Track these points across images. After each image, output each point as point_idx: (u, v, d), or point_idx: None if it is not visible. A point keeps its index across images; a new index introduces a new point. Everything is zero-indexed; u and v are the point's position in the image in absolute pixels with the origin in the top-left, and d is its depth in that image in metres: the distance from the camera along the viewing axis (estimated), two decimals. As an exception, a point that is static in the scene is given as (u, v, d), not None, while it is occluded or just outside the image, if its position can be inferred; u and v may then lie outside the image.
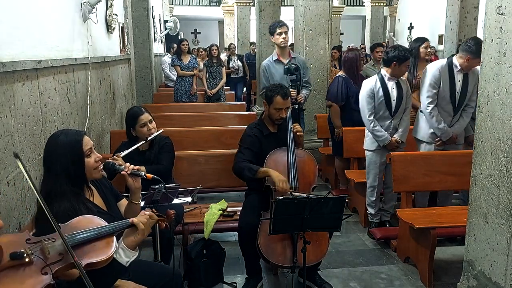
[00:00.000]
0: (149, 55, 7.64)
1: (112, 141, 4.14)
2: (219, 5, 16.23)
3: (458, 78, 3.49)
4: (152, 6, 8.67)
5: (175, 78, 7.40)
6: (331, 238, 2.80)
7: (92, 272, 1.51)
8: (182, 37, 9.43)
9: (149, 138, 2.90)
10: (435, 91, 3.48)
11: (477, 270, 2.36)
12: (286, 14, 10.44)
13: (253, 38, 10.27)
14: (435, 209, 3.43)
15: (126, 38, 5.54)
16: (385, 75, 3.59)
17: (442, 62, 3.54)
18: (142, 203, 2.15)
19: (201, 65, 7.53)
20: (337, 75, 4.51)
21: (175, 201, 2.38)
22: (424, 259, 3.01)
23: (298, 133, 2.98)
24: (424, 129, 3.63)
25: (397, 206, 3.69)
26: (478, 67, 3.46)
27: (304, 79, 4.22)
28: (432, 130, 3.57)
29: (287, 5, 14.34)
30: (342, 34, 14.67)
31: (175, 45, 9.59)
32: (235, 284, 3.01)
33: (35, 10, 2.61)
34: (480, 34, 6.56)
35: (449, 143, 3.59)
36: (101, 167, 1.94)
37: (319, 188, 4.03)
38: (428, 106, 3.49)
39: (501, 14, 2.06)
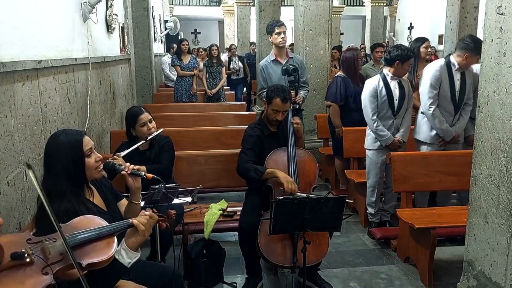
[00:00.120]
0: (149, 55, 7.64)
1: (112, 141, 4.14)
2: (219, 5, 16.23)
3: (457, 77, 3.50)
4: (152, 6, 8.67)
5: (175, 78, 7.40)
6: (331, 238, 2.80)
7: (94, 272, 1.51)
8: (182, 37, 9.42)
9: (149, 138, 2.90)
10: (436, 91, 3.48)
11: (477, 270, 2.36)
12: (286, 14, 10.45)
13: (253, 38, 10.27)
14: (435, 209, 3.43)
15: (126, 38, 5.55)
16: (387, 75, 3.59)
17: (440, 62, 3.54)
18: (142, 203, 2.15)
19: (201, 65, 7.53)
20: (336, 75, 4.51)
21: (175, 201, 2.38)
22: (424, 259, 3.01)
23: (296, 126, 2.99)
24: (425, 131, 3.62)
25: (397, 206, 3.69)
26: (473, 66, 3.51)
27: (302, 79, 4.21)
28: (434, 132, 3.57)
29: (287, 5, 14.34)
30: (342, 34, 14.67)
31: (175, 45, 9.58)
32: (235, 284, 3.01)
33: (35, 10, 2.61)
34: (480, 34, 6.55)
35: (451, 142, 3.60)
36: (101, 167, 1.94)
37: (319, 188, 4.03)
38: (430, 108, 3.49)
39: (501, 14, 2.06)
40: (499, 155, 2.14)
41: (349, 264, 3.32)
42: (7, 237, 1.44)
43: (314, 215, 2.27)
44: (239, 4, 11.78)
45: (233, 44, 10.03)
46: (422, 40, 4.35)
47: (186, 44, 7.07)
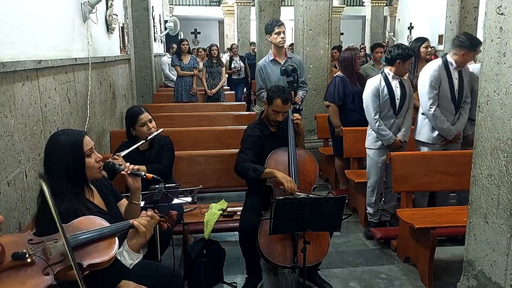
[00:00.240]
0: (149, 55, 7.64)
1: (112, 141, 4.14)
2: (219, 5, 16.23)
3: (455, 75, 3.52)
4: (152, 6, 8.67)
5: (174, 78, 7.39)
6: (331, 238, 2.80)
7: (96, 273, 1.51)
8: (182, 37, 9.41)
9: (149, 138, 2.90)
10: (435, 92, 3.48)
11: (477, 270, 2.36)
12: (286, 14, 10.46)
13: (253, 38, 10.28)
14: (435, 209, 3.43)
15: (126, 38, 5.54)
16: (389, 74, 3.59)
17: (437, 62, 3.55)
18: (142, 203, 2.15)
19: (201, 65, 7.53)
20: (335, 75, 4.51)
21: (175, 201, 2.38)
22: (424, 259, 3.01)
23: (296, 121, 2.99)
24: (427, 132, 3.62)
25: (397, 206, 3.69)
26: (469, 65, 3.53)
27: (301, 79, 4.20)
28: (437, 133, 3.57)
29: (287, 5, 14.34)
30: (342, 34, 14.68)
31: (174, 45, 9.57)
32: (235, 284, 3.01)
33: (35, 10, 2.61)
34: (480, 34, 6.56)
35: (453, 141, 3.60)
36: (102, 167, 1.94)
37: (319, 188, 4.02)
38: (431, 108, 3.49)
39: (501, 14, 2.07)
40: (499, 155, 2.14)
41: (349, 264, 3.32)
42: (8, 237, 1.44)
43: (314, 215, 2.27)
44: (239, 4, 11.78)
45: (234, 44, 10.01)
46: (422, 40, 4.36)
47: (186, 44, 7.07)
